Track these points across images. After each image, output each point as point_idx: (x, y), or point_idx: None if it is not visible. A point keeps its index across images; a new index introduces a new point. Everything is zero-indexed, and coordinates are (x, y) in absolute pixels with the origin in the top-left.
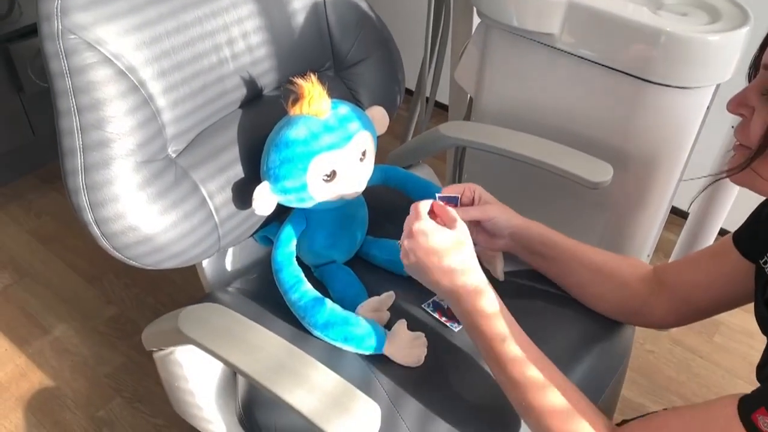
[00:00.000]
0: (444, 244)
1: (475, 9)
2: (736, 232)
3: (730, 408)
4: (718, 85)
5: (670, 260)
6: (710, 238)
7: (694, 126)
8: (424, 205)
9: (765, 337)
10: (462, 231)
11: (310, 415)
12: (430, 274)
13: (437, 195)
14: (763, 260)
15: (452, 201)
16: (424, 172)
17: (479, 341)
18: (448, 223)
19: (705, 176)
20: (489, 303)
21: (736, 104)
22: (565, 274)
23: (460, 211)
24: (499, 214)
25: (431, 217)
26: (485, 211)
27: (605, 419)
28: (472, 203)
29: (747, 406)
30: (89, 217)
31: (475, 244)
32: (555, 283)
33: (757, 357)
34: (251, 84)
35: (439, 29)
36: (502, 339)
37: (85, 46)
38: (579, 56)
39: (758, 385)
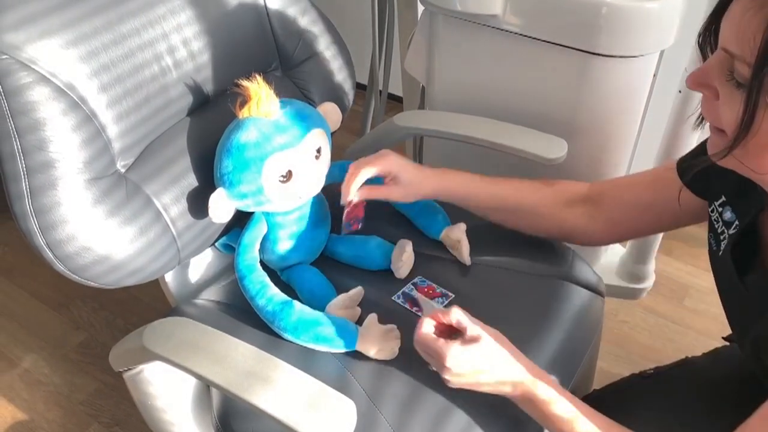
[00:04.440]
0: (477, 366)
1: None
2: (680, 160)
3: None
4: (662, 51)
5: None
6: None
7: (642, 93)
8: (429, 328)
9: None
10: (484, 344)
11: (284, 418)
12: (481, 389)
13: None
14: (711, 209)
15: (377, 181)
16: None
17: (554, 426)
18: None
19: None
20: (543, 391)
21: (696, 83)
22: (501, 221)
23: (371, 190)
24: (401, 198)
25: (439, 326)
26: (387, 196)
27: None
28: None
29: None
30: (40, 241)
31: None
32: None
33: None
34: (197, 91)
35: (384, 20)
36: (571, 419)
37: (18, 66)
38: (525, 35)
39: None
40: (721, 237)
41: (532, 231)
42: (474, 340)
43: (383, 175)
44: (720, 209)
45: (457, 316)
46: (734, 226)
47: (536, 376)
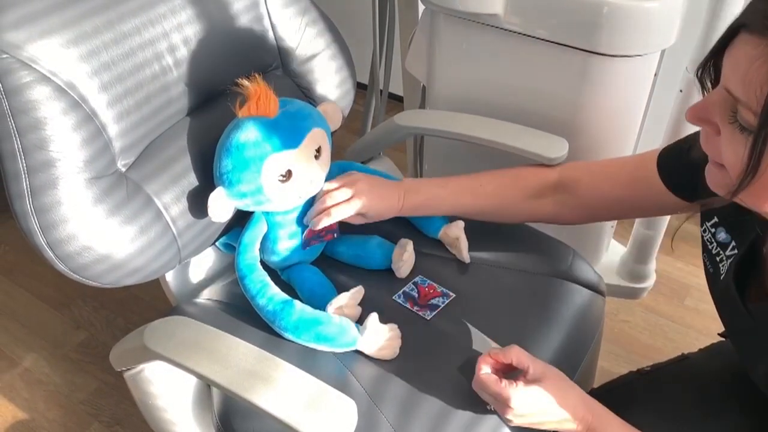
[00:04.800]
0: (541, 407)
1: None
2: (661, 156)
3: None
4: (663, 51)
5: None
6: None
7: (643, 93)
8: (488, 368)
9: None
10: (547, 384)
11: (284, 417)
12: (543, 427)
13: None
14: (703, 228)
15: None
16: (385, 165)
17: None
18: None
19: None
20: (605, 422)
21: (697, 118)
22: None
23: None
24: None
25: (495, 365)
26: (358, 220)
27: None
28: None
29: None
30: (41, 240)
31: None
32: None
33: None
34: (197, 90)
35: (385, 20)
36: None
37: (19, 65)
38: (525, 34)
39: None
40: (718, 259)
41: (501, 223)
42: (537, 380)
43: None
44: (713, 230)
45: (516, 354)
46: (731, 247)
47: (595, 408)
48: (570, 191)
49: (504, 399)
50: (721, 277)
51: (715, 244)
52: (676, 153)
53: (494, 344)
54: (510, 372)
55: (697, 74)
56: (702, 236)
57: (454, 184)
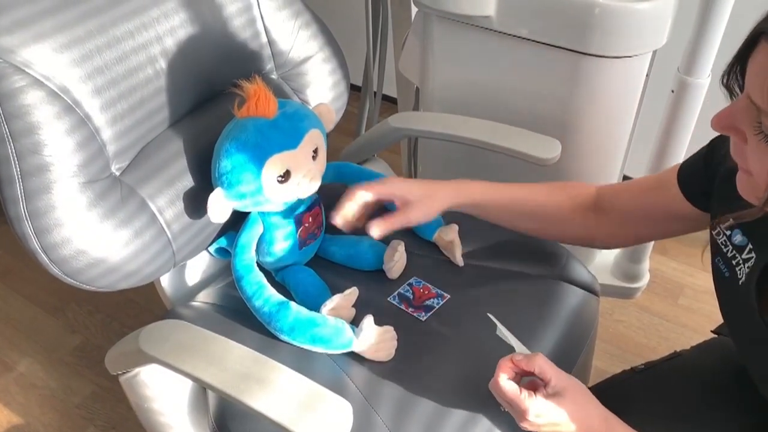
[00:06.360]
0: (558, 420)
1: None
2: (681, 171)
3: None
4: (654, 52)
5: None
6: None
7: (635, 93)
8: (508, 373)
9: None
10: (568, 400)
11: (280, 419)
12: None
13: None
14: (716, 231)
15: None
16: (379, 167)
17: None
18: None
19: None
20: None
21: (722, 127)
22: (512, 226)
23: (387, 222)
24: (422, 216)
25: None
26: (408, 220)
27: None
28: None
29: None
30: (35, 244)
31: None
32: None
33: (720, 315)
34: (190, 94)
35: (378, 22)
36: None
37: (12, 69)
38: (518, 36)
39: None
40: (734, 263)
41: (559, 238)
42: (557, 394)
43: (390, 200)
44: (728, 232)
45: (539, 364)
46: (747, 250)
47: (615, 427)
48: (601, 207)
49: (522, 410)
50: (740, 282)
51: (730, 246)
52: (693, 161)
53: (514, 342)
54: (529, 375)
55: (723, 81)
56: (714, 239)
57: (514, 184)
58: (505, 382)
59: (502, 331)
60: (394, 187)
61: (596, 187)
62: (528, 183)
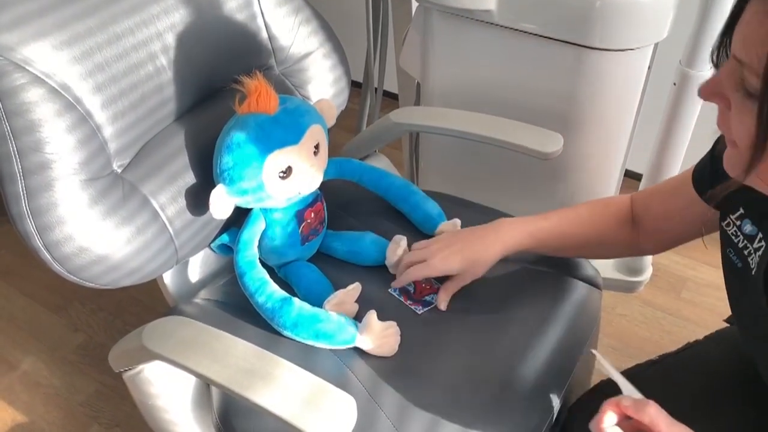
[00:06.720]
0: None
1: None
2: (695, 171)
3: None
4: (656, 44)
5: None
6: None
7: (637, 87)
8: (612, 420)
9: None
10: None
11: (284, 415)
12: None
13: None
14: (726, 222)
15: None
16: (381, 162)
17: None
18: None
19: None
20: None
21: (708, 93)
22: (559, 255)
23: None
24: (481, 267)
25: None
26: (466, 276)
27: None
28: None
29: None
30: (38, 242)
31: None
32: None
33: (723, 307)
34: (191, 90)
35: (379, 17)
36: None
37: (12, 67)
38: (519, 30)
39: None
40: (746, 253)
41: (606, 257)
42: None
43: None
44: (738, 222)
45: (651, 415)
46: (758, 239)
47: None
48: (637, 215)
49: None
50: (753, 272)
51: (741, 237)
52: (703, 158)
53: (622, 382)
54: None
55: (712, 58)
56: (725, 231)
57: (554, 215)
58: (610, 427)
59: (609, 370)
60: (435, 270)
61: (630, 197)
62: (568, 209)
